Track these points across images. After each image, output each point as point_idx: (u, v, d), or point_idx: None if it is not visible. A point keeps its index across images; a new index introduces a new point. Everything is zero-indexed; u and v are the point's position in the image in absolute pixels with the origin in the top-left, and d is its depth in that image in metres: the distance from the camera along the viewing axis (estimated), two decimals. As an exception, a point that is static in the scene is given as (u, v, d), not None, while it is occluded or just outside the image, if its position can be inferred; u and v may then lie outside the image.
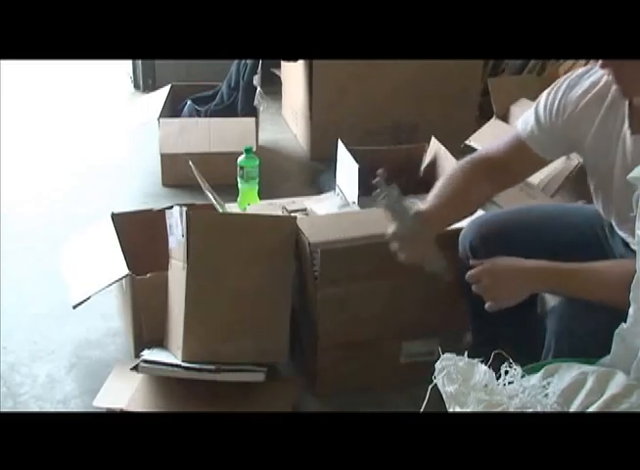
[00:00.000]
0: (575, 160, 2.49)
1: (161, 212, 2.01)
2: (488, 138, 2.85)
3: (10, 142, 3.51)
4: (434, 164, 2.77)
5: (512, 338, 1.69)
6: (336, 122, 3.21)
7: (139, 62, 4.26)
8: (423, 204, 1.71)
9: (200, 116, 3.47)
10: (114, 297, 2.28)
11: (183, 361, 1.84)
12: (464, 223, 1.84)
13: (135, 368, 1.86)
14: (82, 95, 4.20)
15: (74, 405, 1.98)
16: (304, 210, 2.59)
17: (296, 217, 2.05)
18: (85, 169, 3.33)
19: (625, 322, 1.21)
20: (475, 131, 2.99)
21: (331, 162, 2.84)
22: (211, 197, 2.22)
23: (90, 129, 3.72)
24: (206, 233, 1.87)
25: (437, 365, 1.16)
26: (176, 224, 1.88)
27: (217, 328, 1.89)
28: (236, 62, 3.53)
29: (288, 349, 1.95)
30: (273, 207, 2.58)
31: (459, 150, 2.70)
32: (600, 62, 1.42)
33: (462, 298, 1.86)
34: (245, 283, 1.90)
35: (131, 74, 4.35)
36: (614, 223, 1.64)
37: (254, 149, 2.93)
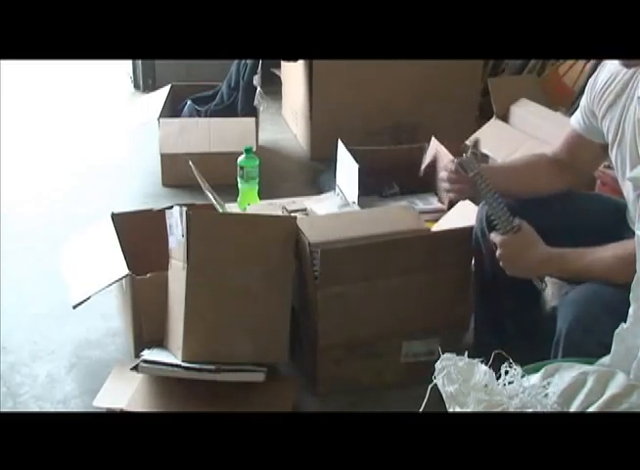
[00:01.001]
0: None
1: (161, 212, 2.01)
2: (488, 138, 2.85)
3: (10, 142, 3.51)
4: (434, 164, 2.77)
5: (514, 317, 1.86)
6: (336, 122, 3.21)
7: (139, 62, 4.26)
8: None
9: (200, 116, 3.47)
10: (114, 297, 2.28)
11: (183, 361, 1.84)
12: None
13: (135, 368, 1.86)
14: (82, 95, 4.20)
15: (74, 405, 1.98)
16: (304, 210, 2.59)
17: (296, 217, 2.05)
18: (85, 169, 3.33)
19: (625, 322, 1.21)
20: (475, 131, 2.99)
21: (331, 162, 2.84)
22: (211, 197, 2.22)
23: (90, 129, 3.72)
24: (206, 233, 1.87)
25: (437, 365, 1.16)
26: (176, 224, 1.88)
27: (217, 328, 1.89)
28: (236, 62, 3.53)
29: (288, 349, 1.95)
30: (273, 207, 2.59)
31: (459, 150, 2.70)
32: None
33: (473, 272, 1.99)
34: (245, 283, 1.90)
35: (131, 74, 4.35)
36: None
37: (254, 149, 2.93)
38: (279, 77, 3.83)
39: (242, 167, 2.79)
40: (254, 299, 1.91)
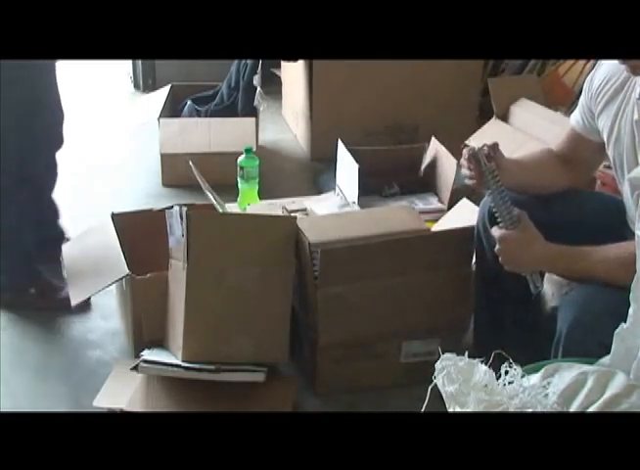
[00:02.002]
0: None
1: (161, 212, 2.01)
2: (488, 138, 2.84)
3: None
4: (434, 164, 2.77)
5: (514, 317, 1.86)
6: (336, 122, 3.21)
7: (139, 62, 4.26)
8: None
9: (200, 116, 3.47)
10: (114, 297, 2.28)
11: (183, 361, 1.84)
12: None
13: (135, 368, 1.86)
14: (82, 95, 4.20)
15: (75, 405, 1.98)
16: (304, 210, 2.59)
17: (296, 217, 2.05)
18: (85, 169, 3.32)
19: (625, 322, 1.21)
20: (475, 131, 2.99)
21: (331, 162, 2.84)
22: (211, 197, 2.22)
23: (90, 129, 3.72)
24: (206, 233, 1.87)
25: (437, 365, 1.16)
26: (176, 224, 1.88)
27: (217, 328, 1.89)
28: (236, 62, 3.53)
29: (288, 349, 1.95)
30: (273, 207, 2.59)
31: (459, 150, 2.70)
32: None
33: (475, 273, 1.99)
34: (245, 283, 1.90)
35: (131, 74, 4.34)
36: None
37: (254, 149, 2.93)
38: (279, 77, 3.82)
39: (242, 167, 2.79)
40: (255, 299, 1.91)
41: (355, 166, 2.53)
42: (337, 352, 2.00)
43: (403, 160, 2.85)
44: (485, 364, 1.16)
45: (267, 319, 1.93)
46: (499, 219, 1.66)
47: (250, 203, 2.71)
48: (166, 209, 1.98)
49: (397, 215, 2.15)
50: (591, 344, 1.39)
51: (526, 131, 2.81)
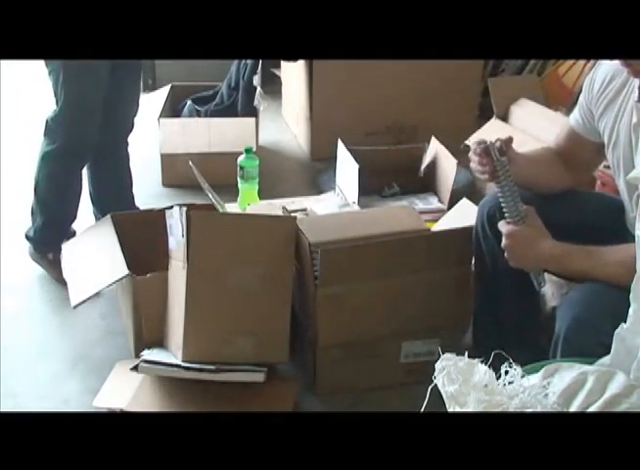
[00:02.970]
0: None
1: (161, 212, 2.01)
2: (488, 138, 2.84)
3: (10, 142, 3.51)
4: (434, 164, 2.78)
5: (514, 317, 1.87)
6: (336, 122, 3.21)
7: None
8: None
9: (200, 116, 3.47)
10: (114, 297, 2.28)
11: (183, 361, 1.85)
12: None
13: (135, 368, 1.86)
14: (82, 95, 4.19)
15: (75, 405, 1.98)
16: (304, 210, 2.59)
17: (296, 217, 2.05)
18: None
19: (625, 322, 1.21)
20: (475, 131, 2.99)
21: (331, 162, 2.84)
22: (211, 197, 2.22)
23: (90, 129, 3.71)
24: (206, 233, 1.87)
25: (437, 365, 1.16)
26: (176, 224, 1.88)
27: (217, 328, 1.89)
28: (236, 62, 3.53)
29: (288, 349, 1.95)
30: (273, 207, 2.59)
31: (459, 150, 2.70)
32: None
33: (474, 273, 1.99)
34: (245, 283, 1.90)
35: (131, 74, 4.34)
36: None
37: (254, 149, 2.93)
38: (279, 77, 3.83)
39: (242, 167, 2.79)
40: (254, 299, 1.91)
41: (355, 166, 2.53)
42: (337, 352, 2.00)
43: (403, 160, 2.86)
44: (485, 364, 1.16)
45: (267, 319, 1.93)
46: (506, 214, 1.65)
47: (250, 203, 2.71)
48: (166, 209, 1.98)
49: (397, 215, 2.15)
50: (591, 344, 1.39)
51: (526, 131, 2.81)
